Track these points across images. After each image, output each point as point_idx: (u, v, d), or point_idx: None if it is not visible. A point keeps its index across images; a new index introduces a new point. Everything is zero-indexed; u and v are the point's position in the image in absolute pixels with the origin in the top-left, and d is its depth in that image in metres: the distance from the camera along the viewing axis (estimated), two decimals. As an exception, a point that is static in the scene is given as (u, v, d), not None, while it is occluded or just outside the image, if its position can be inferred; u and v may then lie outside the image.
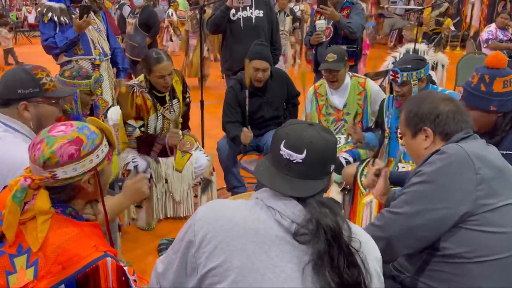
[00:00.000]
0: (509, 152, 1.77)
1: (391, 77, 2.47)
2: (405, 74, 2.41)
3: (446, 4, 7.45)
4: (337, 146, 3.04)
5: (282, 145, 1.09)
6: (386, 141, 2.67)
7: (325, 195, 1.16)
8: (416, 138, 1.51)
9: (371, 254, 1.09)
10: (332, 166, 1.14)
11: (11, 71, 1.76)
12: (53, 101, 1.78)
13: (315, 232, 1.02)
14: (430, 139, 1.47)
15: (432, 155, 1.39)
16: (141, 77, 2.86)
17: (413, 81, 2.42)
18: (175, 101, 2.97)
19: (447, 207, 1.30)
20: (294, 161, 1.08)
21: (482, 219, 1.29)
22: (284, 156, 1.09)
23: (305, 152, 1.07)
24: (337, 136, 3.05)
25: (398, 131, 2.57)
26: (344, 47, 3.39)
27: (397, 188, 2.18)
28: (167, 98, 2.91)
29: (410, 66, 2.42)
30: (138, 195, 1.70)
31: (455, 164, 1.32)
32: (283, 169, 1.10)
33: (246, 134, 3.00)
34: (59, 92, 1.81)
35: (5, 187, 1.28)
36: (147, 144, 2.84)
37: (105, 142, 1.27)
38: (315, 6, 3.98)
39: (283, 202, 1.07)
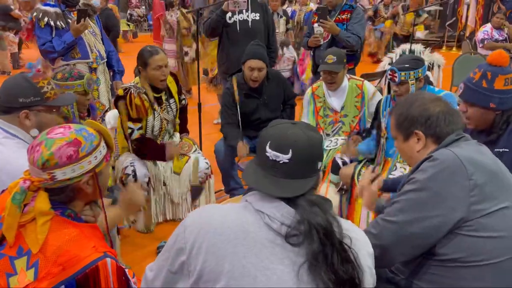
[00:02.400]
0: (505, 150, 1.78)
1: (389, 77, 2.48)
2: (403, 73, 2.42)
3: (425, 15, 7.40)
4: (334, 147, 3.05)
5: (267, 147, 1.09)
6: (383, 141, 2.68)
7: (323, 195, 1.15)
8: (408, 141, 1.50)
9: (363, 250, 1.08)
10: (320, 164, 1.13)
11: (12, 78, 1.76)
12: (53, 110, 1.79)
13: (307, 232, 1.02)
14: (422, 142, 1.47)
15: (424, 162, 1.38)
16: (137, 79, 2.87)
17: (410, 80, 2.43)
18: (171, 100, 2.98)
19: (441, 215, 1.29)
20: (280, 162, 1.07)
21: (477, 225, 1.28)
22: (270, 158, 1.08)
23: (290, 152, 1.06)
24: (334, 138, 3.06)
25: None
26: (344, 50, 3.40)
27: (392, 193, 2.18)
28: (164, 98, 2.92)
29: (408, 65, 2.44)
30: (133, 206, 1.70)
31: (448, 170, 1.31)
32: (270, 170, 1.09)
33: (241, 150, 3.01)
34: (60, 101, 1.82)
35: (3, 190, 1.29)
36: (145, 150, 2.84)
37: (103, 143, 1.28)
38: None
39: (271, 204, 1.06)
